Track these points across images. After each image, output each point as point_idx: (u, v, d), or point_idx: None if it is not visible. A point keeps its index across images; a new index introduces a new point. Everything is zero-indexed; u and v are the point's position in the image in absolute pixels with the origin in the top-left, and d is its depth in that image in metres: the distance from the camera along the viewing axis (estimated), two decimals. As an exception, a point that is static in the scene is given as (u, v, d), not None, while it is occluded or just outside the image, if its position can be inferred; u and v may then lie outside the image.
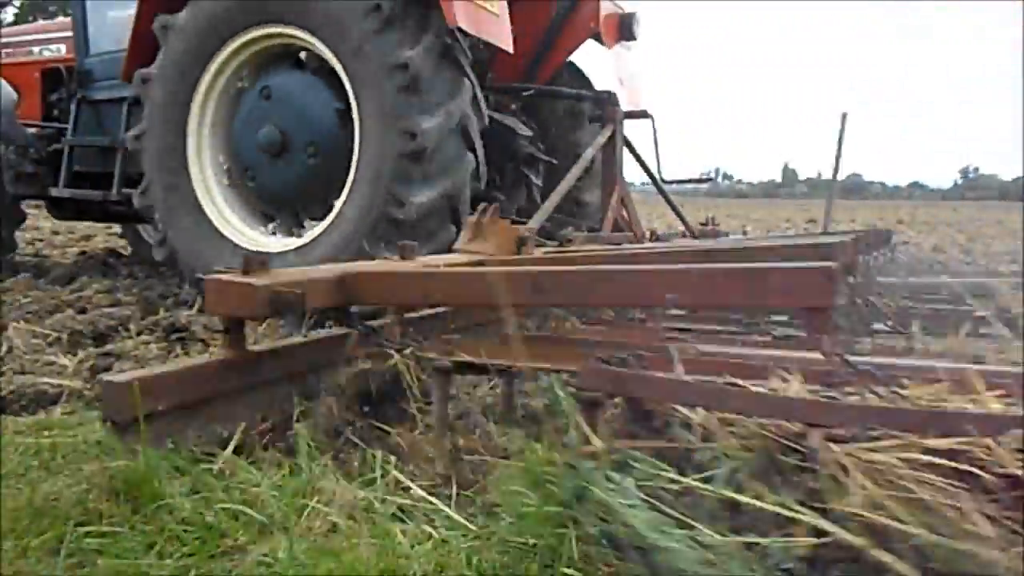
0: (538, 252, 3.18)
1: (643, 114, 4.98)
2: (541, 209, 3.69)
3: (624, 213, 4.69)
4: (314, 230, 3.90)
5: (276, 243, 4.12)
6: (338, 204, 3.81)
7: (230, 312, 1.86)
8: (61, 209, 5.78)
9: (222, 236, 4.11)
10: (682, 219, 5.58)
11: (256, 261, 1.88)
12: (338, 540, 1.45)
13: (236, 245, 4.05)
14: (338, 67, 3.79)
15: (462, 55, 3.83)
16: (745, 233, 7.40)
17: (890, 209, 32.11)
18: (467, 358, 1.94)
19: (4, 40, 6.14)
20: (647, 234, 4.95)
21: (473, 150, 3.83)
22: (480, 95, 3.95)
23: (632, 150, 4.90)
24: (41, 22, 7.25)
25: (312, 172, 3.97)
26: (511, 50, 4.04)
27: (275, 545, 1.41)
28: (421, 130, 3.57)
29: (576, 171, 4.15)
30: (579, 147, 5.18)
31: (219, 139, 4.24)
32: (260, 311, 1.82)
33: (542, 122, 5.68)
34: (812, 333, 1.71)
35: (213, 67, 4.11)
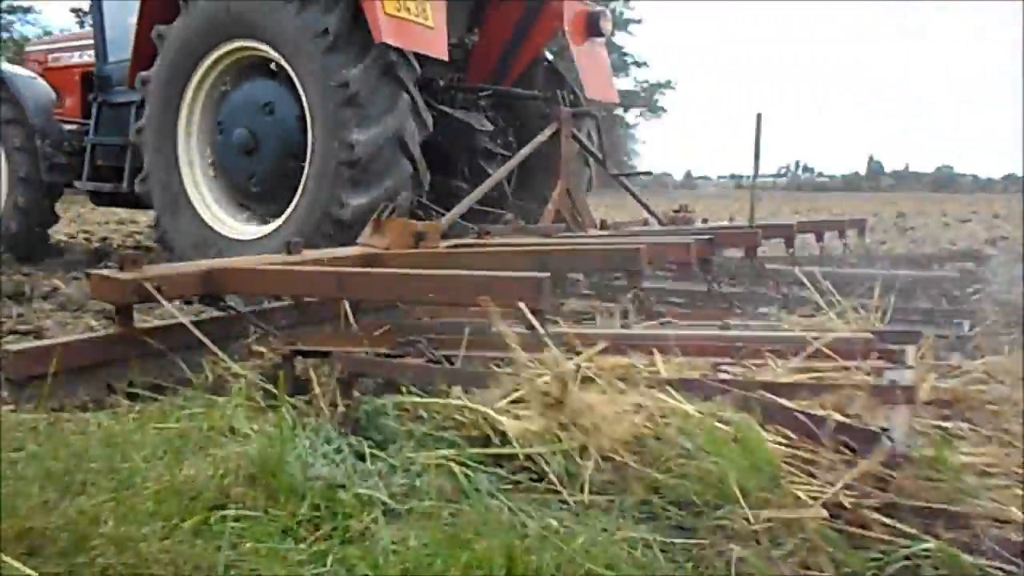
0: (442, 245, 3.68)
1: (587, 113, 5.38)
2: (457, 207, 4.18)
3: (570, 205, 5.14)
4: (276, 221, 4.53)
5: (254, 230, 4.77)
6: (295, 199, 4.40)
7: (106, 300, 2.46)
8: (99, 198, 6.57)
9: (207, 224, 4.78)
10: (647, 208, 5.99)
11: (129, 259, 2.46)
12: (466, 530, 1.44)
13: (217, 232, 4.72)
14: (296, 81, 4.37)
15: (404, 70, 4.33)
16: (731, 219, 7.70)
17: (984, 202, 29.59)
18: (303, 347, 2.45)
19: (53, 47, 6.97)
20: (597, 224, 5.37)
21: (411, 157, 4.33)
22: (422, 105, 4.44)
23: (583, 145, 5.32)
24: (84, 29, 8.09)
25: (281, 129, 4.54)
26: (446, 58, 4.50)
27: (405, 532, 1.44)
28: (357, 141, 4.12)
29: (511, 165, 4.62)
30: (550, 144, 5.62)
31: (228, 205, 4.91)
32: (127, 299, 2.40)
33: (519, 120, 6.11)
34: (530, 327, 2.18)
35: (200, 71, 4.77)
